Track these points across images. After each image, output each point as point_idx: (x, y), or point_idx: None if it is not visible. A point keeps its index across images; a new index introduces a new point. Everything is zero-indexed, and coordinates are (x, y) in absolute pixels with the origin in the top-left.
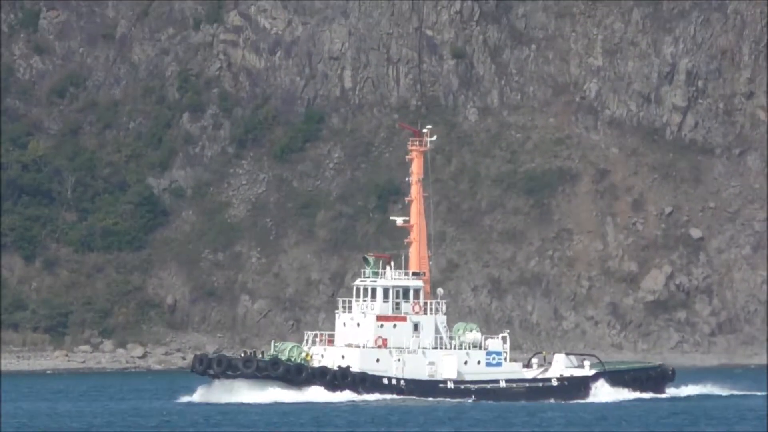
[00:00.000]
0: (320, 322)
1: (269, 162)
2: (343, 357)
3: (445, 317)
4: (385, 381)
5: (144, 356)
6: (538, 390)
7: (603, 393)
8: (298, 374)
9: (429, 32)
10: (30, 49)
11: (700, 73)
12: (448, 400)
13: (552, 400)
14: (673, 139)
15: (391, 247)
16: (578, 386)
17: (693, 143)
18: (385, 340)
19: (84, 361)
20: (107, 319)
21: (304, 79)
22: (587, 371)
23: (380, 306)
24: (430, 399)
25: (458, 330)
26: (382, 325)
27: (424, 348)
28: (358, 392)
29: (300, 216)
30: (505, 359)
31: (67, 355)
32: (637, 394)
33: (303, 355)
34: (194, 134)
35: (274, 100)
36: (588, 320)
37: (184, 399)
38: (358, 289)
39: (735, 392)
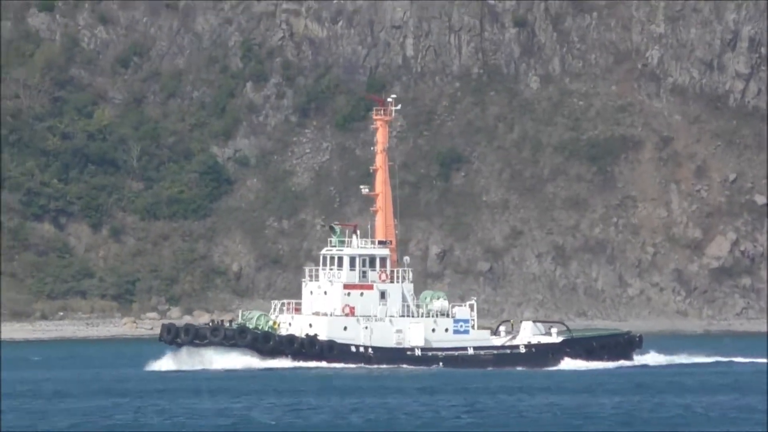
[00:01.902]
0: None
1: (332, 130)
2: (310, 325)
3: (412, 285)
4: (353, 349)
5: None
6: (506, 357)
7: (570, 360)
8: (265, 342)
9: (491, 0)
10: (95, 19)
11: (762, 39)
12: (415, 367)
13: (519, 368)
14: (737, 106)
15: (453, 215)
16: (545, 353)
17: (756, 110)
18: (353, 308)
19: (152, 328)
20: (173, 287)
21: (366, 48)
22: (555, 338)
23: (347, 274)
24: (398, 366)
25: (425, 298)
26: (349, 294)
27: (391, 316)
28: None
29: (363, 184)
30: (473, 327)
31: (134, 322)
32: (605, 362)
33: (270, 323)
34: (257, 103)
35: (336, 69)
36: (653, 287)
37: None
38: (324, 258)
39: (708, 359)
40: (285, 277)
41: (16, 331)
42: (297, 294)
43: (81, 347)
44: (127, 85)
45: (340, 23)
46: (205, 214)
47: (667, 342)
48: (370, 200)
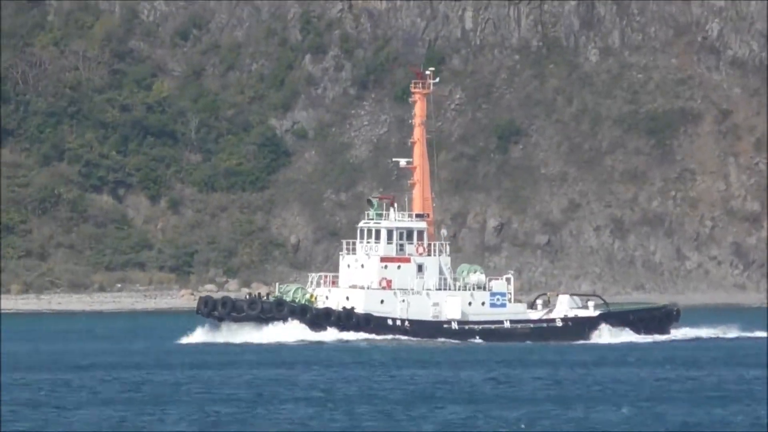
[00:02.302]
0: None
1: (390, 103)
2: (347, 298)
3: (449, 258)
4: (390, 322)
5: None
6: (543, 330)
7: (606, 334)
8: (302, 315)
9: None
10: None
11: None
12: (452, 341)
13: (556, 341)
14: None
15: (511, 188)
16: (582, 327)
17: None
18: (389, 281)
19: None
20: (231, 259)
21: (425, 21)
22: (591, 312)
23: (384, 247)
24: (435, 339)
25: (462, 271)
26: (386, 267)
27: (428, 289)
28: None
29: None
30: (510, 300)
31: (192, 294)
32: (641, 335)
33: (307, 296)
34: (316, 76)
35: (395, 41)
36: (711, 260)
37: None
38: (362, 231)
39: (743, 334)
40: None
41: (74, 302)
42: None
43: (140, 318)
44: (186, 57)
45: None
46: (263, 186)
47: (721, 315)
48: (430, 173)
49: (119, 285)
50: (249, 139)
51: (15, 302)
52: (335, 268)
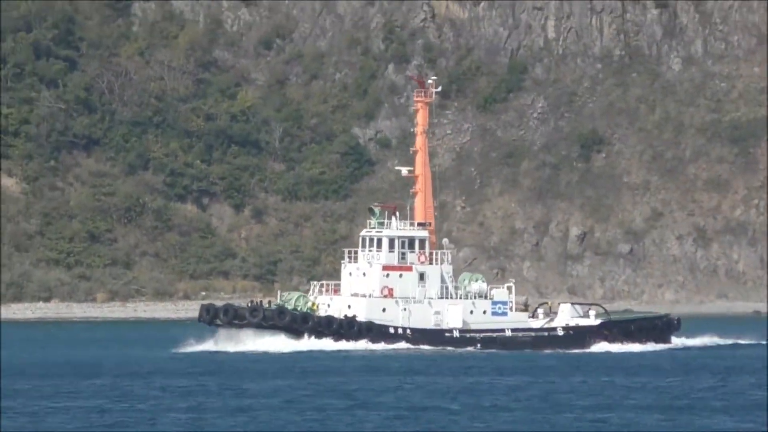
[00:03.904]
0: (525, 270)
1: (473, 112)
2: (349, 306)
3: (451, 267)
4: (391, 330)
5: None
6: (544, 339)
7: (608, 343)
8: (304, 323)
9: None
10: (238, 0)
11: None
12: (453, 349)
13: (557, 350)
14: None
15: (594, 197)
16: (583, 336)
17: None
18: (391, 289)
19: None
20: (315, 267)
21: (508, 30)
22: (592, 321)
23: (386, 256)
24: (436, 348)
25: (464, 280)
26: (387, 275)
27: (430, 298)
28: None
29: (504, 165)
30: (511, 309)
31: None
32: (642, 345)
33: (309, 304)
34: (399, 85)
35: (477, 50)
36: None
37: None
38: (363, 239)
39: (740, 341)
40: None
41: (159, 310)
42: None
43: None
44: (270, 66)
45: (482, 5)
46: (346, 195)
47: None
48: (512, 181)
49: (203, 293)
50: (332, 148)
51: (101, 310)
52: None
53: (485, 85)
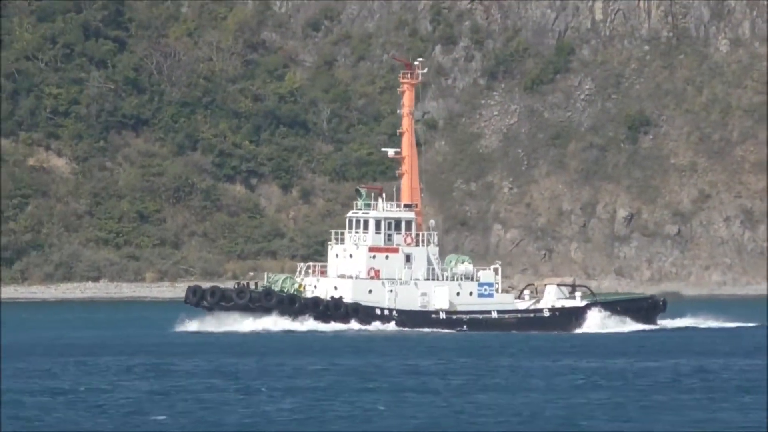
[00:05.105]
0: (572, 251)
1: (520, 93)
2: (335, 288)
3: (437, 248)
4: (378, 312)
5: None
6: (530, 320)
7: (593, 323)
8: (291, 305)
9: None
10: None
11: None
12: (440, 330)
13: (543, 331)
14: None
15: (641, 178)
16: (569, 317)
17: None
18: (378, 271)
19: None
20: None
21: (555, 11)
22: (578, 302)
23: (372, 237)
24: (423, 329)
25: (450, 261)
26: (374, 257)
27: (416, 279)
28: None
29: (551, 147)
30: (497, 290)
31: None
32: (628, 325)
33: (296, 285)
34: (446, 66)
35: (525, 32)
36: None
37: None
38: (350, 221)
39: (728, 324)
40: (473, 239)
41: None
42: (484, 256)
43: None
44: (318, 48)
45: None
46: (393, 176)
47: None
48: (559, 163)
49: (252, 273)
50: (379, 129)
51: (150, 290)
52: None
53: (532, 67)
